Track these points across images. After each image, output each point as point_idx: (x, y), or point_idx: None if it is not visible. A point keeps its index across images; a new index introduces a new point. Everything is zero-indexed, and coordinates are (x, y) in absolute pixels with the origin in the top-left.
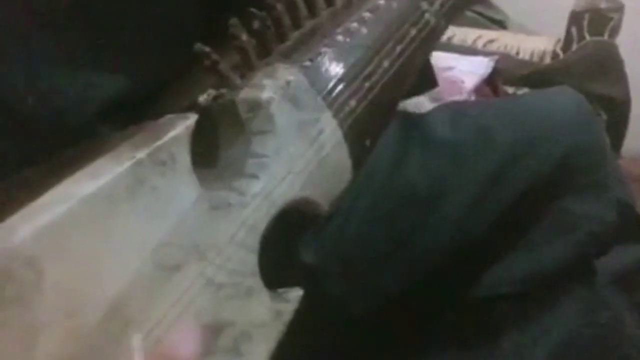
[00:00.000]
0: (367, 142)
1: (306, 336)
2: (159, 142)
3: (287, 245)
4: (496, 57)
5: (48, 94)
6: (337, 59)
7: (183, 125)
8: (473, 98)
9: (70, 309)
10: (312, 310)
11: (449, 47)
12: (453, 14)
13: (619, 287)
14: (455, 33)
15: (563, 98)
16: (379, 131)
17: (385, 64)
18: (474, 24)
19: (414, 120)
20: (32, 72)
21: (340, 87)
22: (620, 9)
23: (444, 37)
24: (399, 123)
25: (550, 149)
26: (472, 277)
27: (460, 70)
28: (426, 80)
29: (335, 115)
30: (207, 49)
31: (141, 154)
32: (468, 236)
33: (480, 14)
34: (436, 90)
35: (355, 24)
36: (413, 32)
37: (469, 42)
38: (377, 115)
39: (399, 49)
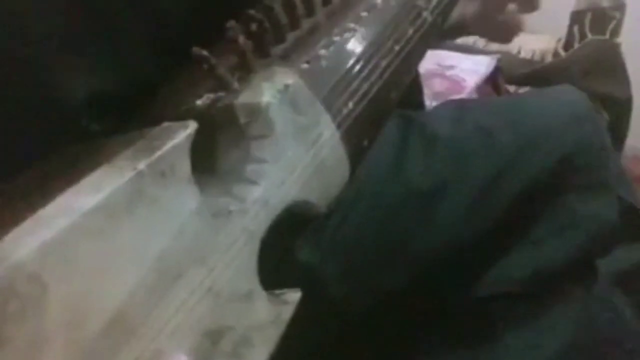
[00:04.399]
0: (365, 142)
1: (306, 337)
2: (159, 152)
3: (285, 246)
4: (498, 55)
5: (38, 92)
6: (335, 60)
7: (183, 135)
8: (475, 97)
9: (73, 323)
10: (311, 311)
11: (451, 46)
12: (449, 11)
13: (621, 288)
14: None
15: (565, 97)
16: (377, 130)
17: (383, 63)
18: None
19: (414, 118)
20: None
21: (338, 89)
22: (621, 7)
23: None
24: (398, 121)
25: (552, 148)
26: (473, 276)
27: (462, 69)
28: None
29: (334, 119)
30: (205, 52)
31: (142, 165)
32: (469, 235)
33: None
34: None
35: (352, 24)
36: (410, 30)
37: (471, 41)
38: (375, 115)
39: (397, 48)
